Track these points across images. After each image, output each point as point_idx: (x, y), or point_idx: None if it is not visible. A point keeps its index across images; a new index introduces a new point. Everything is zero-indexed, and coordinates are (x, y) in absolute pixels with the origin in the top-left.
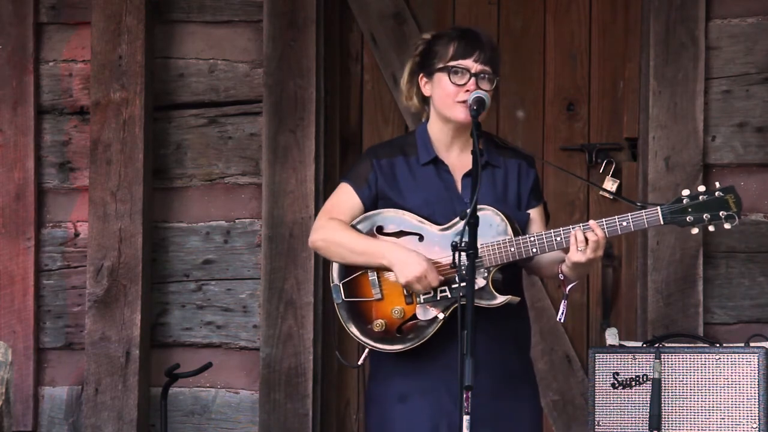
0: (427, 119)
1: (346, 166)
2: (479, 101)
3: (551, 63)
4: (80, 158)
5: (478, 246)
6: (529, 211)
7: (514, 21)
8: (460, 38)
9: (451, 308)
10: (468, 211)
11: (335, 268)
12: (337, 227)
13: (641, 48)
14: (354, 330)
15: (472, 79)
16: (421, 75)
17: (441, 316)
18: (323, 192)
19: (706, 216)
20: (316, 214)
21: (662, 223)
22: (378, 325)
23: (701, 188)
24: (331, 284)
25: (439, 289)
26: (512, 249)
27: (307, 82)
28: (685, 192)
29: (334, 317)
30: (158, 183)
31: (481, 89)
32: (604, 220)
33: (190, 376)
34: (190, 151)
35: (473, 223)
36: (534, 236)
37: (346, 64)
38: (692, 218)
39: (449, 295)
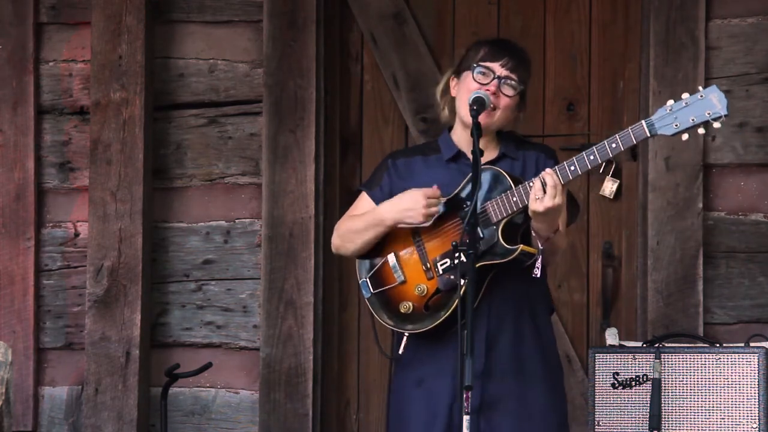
0: (451, 127)
1: (346, 166)
2: (479, 101)
3: (551, 63)
4: (80, 158)
5: (485, 204)
6: None
7: (514, 21)
8: (493, 43)
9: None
10: (468, 210)
11: (357, 266)
12: (344, 221)
13: (641, 48)
14: (386, 319)
15: (495, 81)
16: (452, 77)
17: (462, 281)
18: (323, 192)
19: (692, 119)
20: (316, 214)
21: (648, 134)
22: (404, 307)
23: (685, 95)
24: (359, 281)
25: (454, 255)
26: (514, 198)
27: (307, 82)
28: (669, 102)
29: (370, 312)
30: (158, 183)
31: (504, 94)
32: (574, 157)
33: (190, 376)
34: (190, 151)
35: (473, 223)
36: (532, 180)
37: (346, 64)
38: (679, 124)
39: (465, 260)
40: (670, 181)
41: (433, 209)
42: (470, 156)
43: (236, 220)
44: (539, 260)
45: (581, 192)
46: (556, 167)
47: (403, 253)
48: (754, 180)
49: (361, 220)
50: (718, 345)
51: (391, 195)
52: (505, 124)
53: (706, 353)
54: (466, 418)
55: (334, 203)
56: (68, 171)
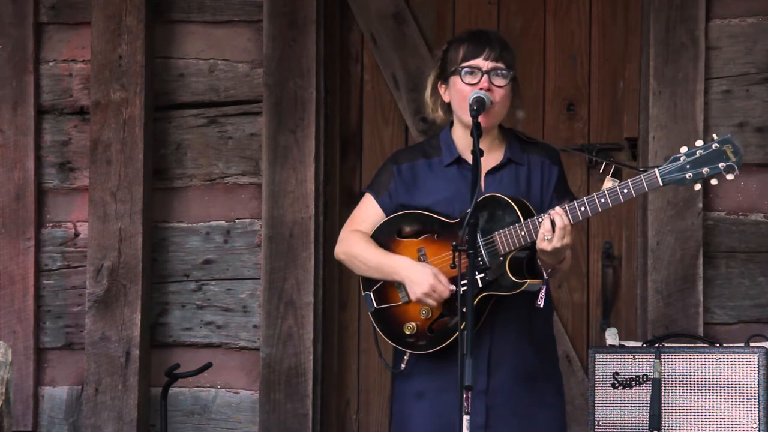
0: (451, 124)
1: (346, 166)
2: (479, 101)
3: (551, 63)
4: (80, 158)
5: (492, 235)
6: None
7: (514, 21)
8: (470, 40)
9: (476, 299)
10: (468, 211)
11: (361, 278)
12: (356, 240)
13: (641, 48)
14: (388, 336)
15: (485, 77)
16: (440, 83)
17: (465, 309)
18: (323, 192)
19: (705, 170)
20: (316, 214)
21: (661, 184)
22: (409, 328)
23: (698, 143)
24: (363, 294)
25: (461, 283)
26: (523, 233)
27: (307, 82)
28: (683, 149)
29: (372, 324)
30: (158, 183)
31: (496, 86)
32: (585, 198)
33: (190, 376)
34: (190, 151)
35: (473, 223)
36: (542, 216)
37: (346, 64)
38: (692, 174)
39: (466, 291)
40: None
41: (431, 302)
42: (469, 159)
43: (236, 220)
44: (543, 290)
45: (581, 192)
46: (566, 207)
47: None
48: (754, 180)
49: (373, 259)
50: (718, 345)
51: (396, 207)
52: (504, 115)
53: (706, 353)
54: (466, 418)
55: (334, 203)
56: (68, 171)
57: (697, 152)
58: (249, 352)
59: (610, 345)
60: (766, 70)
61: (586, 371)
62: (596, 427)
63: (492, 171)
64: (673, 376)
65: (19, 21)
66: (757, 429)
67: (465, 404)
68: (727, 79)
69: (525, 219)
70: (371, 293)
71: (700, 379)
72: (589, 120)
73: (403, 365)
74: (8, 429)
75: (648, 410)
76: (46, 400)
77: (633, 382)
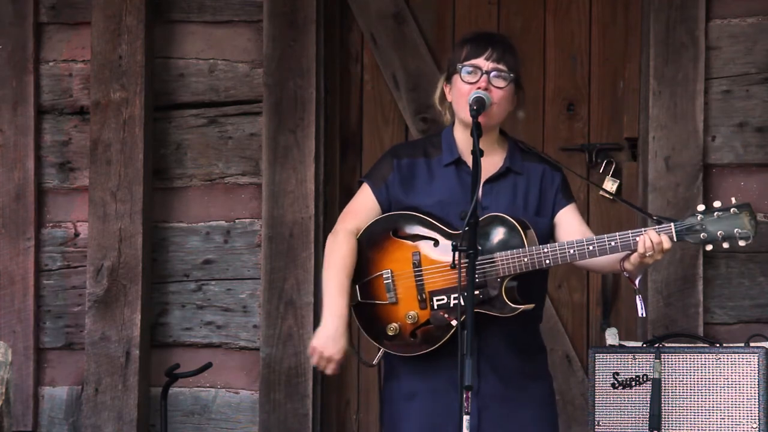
0: (453, 123)
1: (346, 166)
2: (479, 101)
3: (551, 63)
4: (80, 158)
5: (494, 256)
6: (561, 211)
7: (514, 21)
8: (473, 40)
9: (465, 315)
10: (468, 211)
11: None
12: (335, 251)
13: (641, 48)
14: (369, 332)
15: (484, 77)
16: (445, 83)
17: (454, 322)
18: (323, 192)
19: (720, 233)
20: (316, 214)
21: (675, 240)
22: (392, 329)
23: (717, 204)
24: None
25: (452, 296)
26: (525, 260)
27: (307, 82)
28: (700, 207)
29: (351, 317)
30: (158, 183)
31: (495, 87)
32: (617, 234)
33: (190, 376)
34: (190, 151)
35: (473, 223)
36: (548, 248)
37: (346, 64)
38: (706, 235)
39: (462, 302)
40: (670, 181)
41: (314, 358)
42: (469, 165)
43: (236, 220)
44: (640, 299)
45: (581, 192)
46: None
47: (400, 274)
48: (754, 180)
49: (326, 290)
50: (718, 345)
51: (390, 201)
52: (504, 117)
53: (706, 353)
54: (466, 418)
55: (334, 203)
56: (68, 171)
57: (715, 213)
58: (249, 352)
59: (610, 345)
60: (766, 70)
61: (586, 371)
62: (596, 427)
63: (490, 180)
64: (673, 376)
65: (19, 21)
66: (757, 429)
67: (465, 404)
68: (727, 79)
69: (530, 246)
70: (357, 286)
71: (700, 379)
72: (589, 120)
73: (375, 361)
74: (8, 429)
75: (648, 410)
76: (46, 400)
77: (633, 382)
